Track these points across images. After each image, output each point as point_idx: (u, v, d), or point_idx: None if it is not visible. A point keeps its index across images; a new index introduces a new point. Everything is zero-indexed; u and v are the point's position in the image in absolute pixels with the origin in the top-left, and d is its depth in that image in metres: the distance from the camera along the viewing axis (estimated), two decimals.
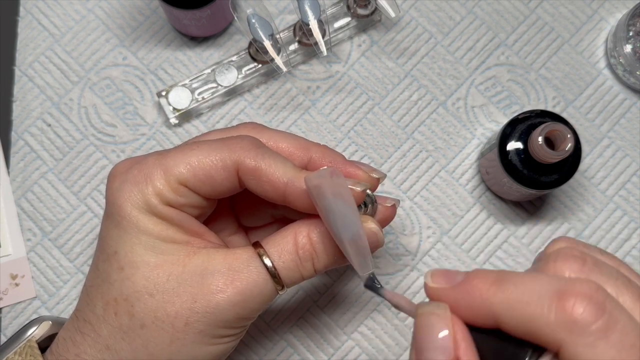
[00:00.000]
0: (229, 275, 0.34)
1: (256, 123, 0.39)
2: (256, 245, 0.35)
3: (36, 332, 0.38)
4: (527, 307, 0.25)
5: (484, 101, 0.52)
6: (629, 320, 0.24)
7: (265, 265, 0.34)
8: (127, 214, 0.34)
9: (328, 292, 0.49)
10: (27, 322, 0.39)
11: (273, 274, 0.34)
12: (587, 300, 0.24)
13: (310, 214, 0.36)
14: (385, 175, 0.38)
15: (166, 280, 0.34)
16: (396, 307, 0.30)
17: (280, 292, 0.35)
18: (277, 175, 0.34)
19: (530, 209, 0.50)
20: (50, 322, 0.39)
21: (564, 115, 0.51)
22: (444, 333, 0.26)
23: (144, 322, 0.34)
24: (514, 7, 0.53)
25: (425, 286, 0.28)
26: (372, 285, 0.32)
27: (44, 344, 0.38)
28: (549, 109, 0.52)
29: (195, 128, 0.51)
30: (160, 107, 0.51)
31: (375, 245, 0.36)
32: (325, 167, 0.36)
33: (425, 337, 0.27)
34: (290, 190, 0.34)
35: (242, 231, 0.42)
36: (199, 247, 0.35)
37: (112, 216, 0.35)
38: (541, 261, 0.27)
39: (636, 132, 0.51)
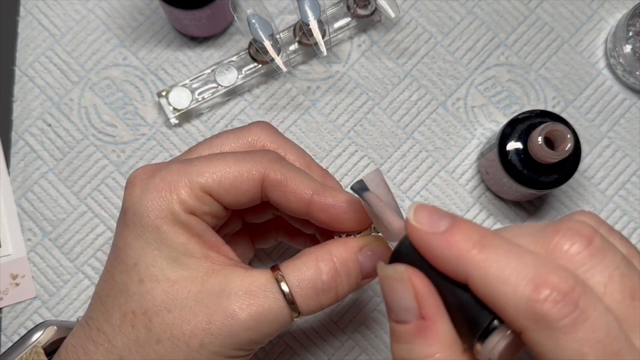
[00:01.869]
0: (245, 299, 0.33)
1: (267, 124, 0.39)
2: (274, 269, 0.35)
3: (42, 338, 0.38)
4: (501, 284, 0.25)
5: (483, 101, 0.52)
6: (601, 316, 0.24)
7: (282, 292, 0.34)
8: (150, 223, 0.34)
9: None
10: (33, 326, 0.39)
11: (290, 300, 0.34)
12: (561, 296, 0.24)
13: (330, 239, 0.36)
14: None
15: (185, 297, 0.34)
16: (376, 217, 0.31)
17: (296, 319, 0.35)
18: (303, 187, 0.35)
19: (530, 209, 0.50)
20: (56, 327, 0.38)
21: (564, 115, 0.51)
22: (406, 296, 0.27)
23: (160, 338, 0.33)
24: (514, 7, 0.53)
25: (407, 222, 0.28)
26: (359, 187, 0.32)
27: (49, 349, 0.38)
28: (549, 109, 0.52)
29: (195, 128, 0.51)
30: (160, 107, 0.51)
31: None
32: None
33: (391, 300, 0.28)
34: (315, 202, 0.35)
35: (244, 228, 0.42)
36: (217, 263, 0.35)
37: (132, 225, 0.34)
38: (551, 227, 0.26)
39: (636, 132, 0.51)
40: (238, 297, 0.34)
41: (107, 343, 0.34)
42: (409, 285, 0.27)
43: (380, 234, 0.36)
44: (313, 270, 0.34)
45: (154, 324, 0.34)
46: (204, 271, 0.34)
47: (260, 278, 0.34)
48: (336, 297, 0.35)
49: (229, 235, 0.41)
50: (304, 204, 0.35)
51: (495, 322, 0.25)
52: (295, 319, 0.35)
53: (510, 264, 0.25)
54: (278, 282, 0.34)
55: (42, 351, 0.37)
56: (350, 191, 0.34)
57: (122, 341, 0.34)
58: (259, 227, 0.43)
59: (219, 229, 0.39)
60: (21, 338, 0.38)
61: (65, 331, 0.38)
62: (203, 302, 0.33)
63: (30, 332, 0.38)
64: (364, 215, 0.35)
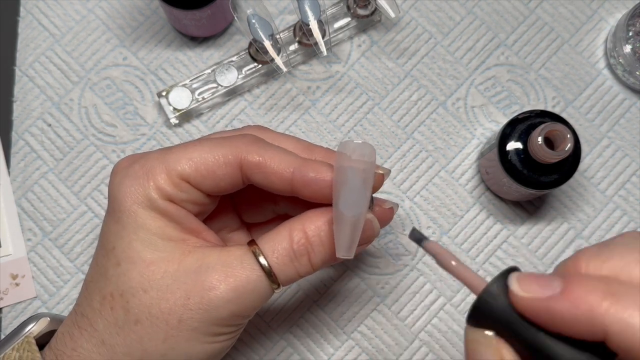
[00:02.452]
0: (223, 271, 0.34)
1: (260, 125, 0.39)
2: (251, 243, 0.35)
3: (34, 329, 0.38)
4: None
5: (483, 101, 0.52)
6: None
7: (260, 262, 0.34)
8: (127, 208, 0.35)
9: (328, 292, 0.49)
10: (26, 318, 0.39)
11: (267, 271, 0.34)
12: None
13: (307, 210, 0.36)
14: (389, 171, 0.38)
15: (161, 277, 0.34)
16: (450, 271, 0.30)
17: (276, 290, 0.35)
18: (283, 165, 0.35)
19: (529, 209, 0.50)
20: (49, 318, 0.39)
21: (564, 115, 0.51)
22: None
23: (139, 318, 0.34)
24: (514, 8, 0.53)
25: (513, 295, 0.26)
26: (418, 236, 0.31)
27: (43, 340, 0.38)
28: (549, 109, 0.52)
29: (195, 128, 0.51)
30: (160, 107, 0.51)
31: (371, 234, 0.36)
32: (364, 142, 0.35)
33: None
34: (297, 179, 0.35)
35: (244, 228, 0.42)
36: (194, 245, 0.35)
37: (112, 212, 0.35)
38: None
39: (636, 132, 0.51)
40: (215, 271, 0.34)
41: (89, 327, 0.35)
42: (496, 353, 0.26)
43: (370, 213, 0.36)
44: (287, 240, 0.35)
45: (132, 305, 0.34)
46: (181, 252, 0.35)
47: (237, 252, 0.35)
48: (311, 265, 0.35)
49: (227, 236, 0.41)
50: (287, 182, 0.35)
51: None
52: (275, 291, 0.35)
53: None
54: (254, 253, 0.35)
55: (33, 341, 0.37)
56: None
57: (102, 324, 0.34)
58: (261, 228, 0.43)
59: (220, 231, 0.39)
60: (14, 329, 0.39)
61: (58, 323, 0.39)
62: (181, 280, 0.34)
63: (23, 324, 0.39)
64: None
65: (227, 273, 0.34)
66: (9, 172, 0.50)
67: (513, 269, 0.28)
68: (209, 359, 0.35)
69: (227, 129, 0.51)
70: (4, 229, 0.49)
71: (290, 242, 0.35)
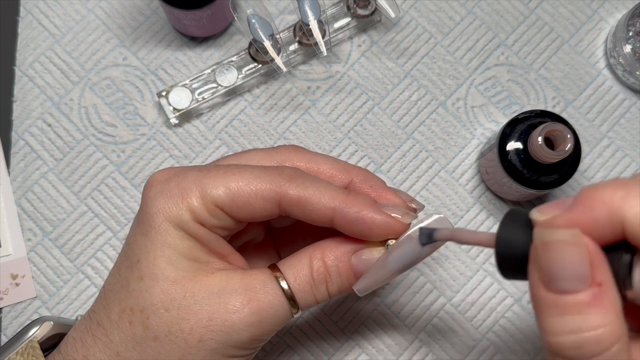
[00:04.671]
0: (246, 295, 0.34)
1: (296, 145, 0.39)
2: (273, 267, 0.35)
3: (38, 333, 0.38)
4: None
5: (483, 101, 0.52)
6: None
7: (282, 287, 0.34)
8: (158, 225, 0.34)
9: None
10: (29, 322, 0.39)
11: (289, 296, 0.35)
12: None
13: (329, 238, 0.36)
14: (423, 206, 0.38)
15: (183, 297, 0.34)
16: (466, 242, 0.32)
17: (295, 315, 0.35)
18: (324, 202, 0.34)
19: (529, 208, 0.50)
20: (52, 322, 0.39)
21: (564, 115, 0.51)
22: (582, 261, 0.26)
23: (157, 335, 0.34)
24: (514, 8, 0.53)
25: (537, 223, 0.28)
26: (427, 232, 0.34)
27: (46, 345, 0.38)
28: (549, 109, 0.52)
29: (195, 128, 0.51)
30: (160, 107, 0.51)
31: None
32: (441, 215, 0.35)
33: (557, 267, 0.26)
34: (337, 217, 0.34)
35: (269, 238, 0.42)
36: (218, 268, 0.35)
37: (142, 224, 0.35)
38: None
39: (636, 132, 0.51)
40: (239, 294, 0.34)
41: (105, 337, 0.35)
42: (585, 250, 0.26)
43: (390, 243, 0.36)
44: (307, 267, 0.35)
45: (152, 322, 0.34)
46: (204, 273, 0.35)
47: (260, 276, 0.35)
48: (328, 293, 0.36)
49: (251, 245, 0.41)
50: (327, 219, 0.35)
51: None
52: (294, 315, 0.35)
53: None
54: (277, 278, 0.35)
55: (37, 345, 0.37)
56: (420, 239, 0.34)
57: (119, 337, 0.34)
58: (284, 233, 0.42)
59: (236, 237, 0.39)
60: (17, 333, 0.38)
61: (62, 327, 0.39)
62: (204, 301, 0.34)
63: (27, 328, 0.38)
64: (390, 229, 0.35)
65: (250, 297, 0.34)
66: (9, 172, 0.50)
67: (513, 212, 0.30)
68: None
69: (228, 129, 0.51)
70: (4, 229, 0.49)
71: (310, 269, 0.35)
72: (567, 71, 0.52)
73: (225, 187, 0.34)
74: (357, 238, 0.35)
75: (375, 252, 0.35)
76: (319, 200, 0.34)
